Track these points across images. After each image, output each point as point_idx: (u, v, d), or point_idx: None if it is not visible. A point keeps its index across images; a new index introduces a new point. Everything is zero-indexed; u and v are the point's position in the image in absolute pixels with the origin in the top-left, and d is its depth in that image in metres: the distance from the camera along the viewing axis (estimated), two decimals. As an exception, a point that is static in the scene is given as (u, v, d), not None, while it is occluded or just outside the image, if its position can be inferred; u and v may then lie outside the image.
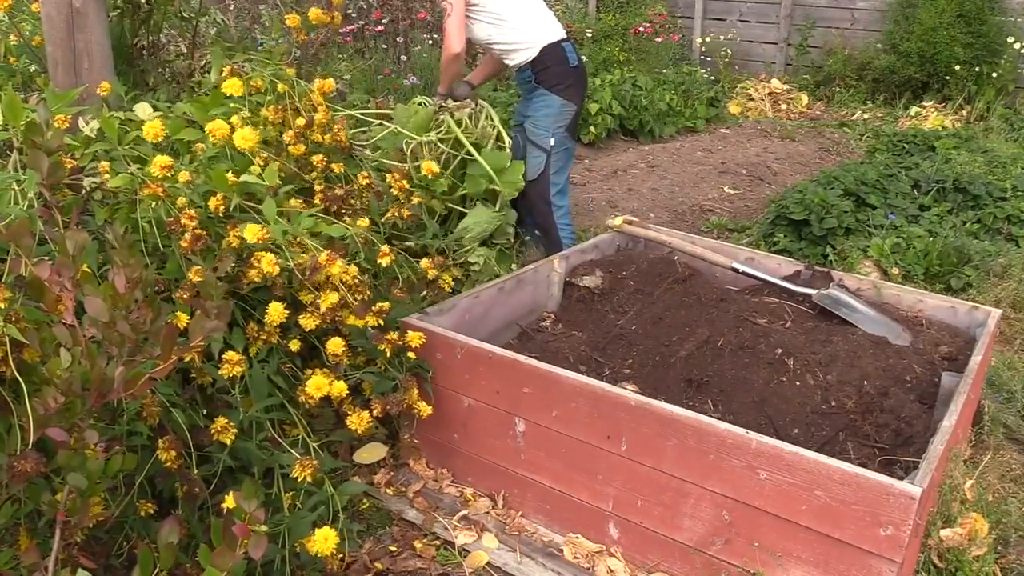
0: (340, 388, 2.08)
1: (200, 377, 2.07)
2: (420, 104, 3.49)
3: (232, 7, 6.78)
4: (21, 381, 1.48)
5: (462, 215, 3.43)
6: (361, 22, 7.11)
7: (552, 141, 3.58)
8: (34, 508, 1.60)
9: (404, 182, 2.77)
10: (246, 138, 2.21)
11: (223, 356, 2.00)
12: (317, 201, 2.48)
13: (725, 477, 1.95)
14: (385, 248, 2.39)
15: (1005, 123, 6.90)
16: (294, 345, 2.25)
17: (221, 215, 2.23)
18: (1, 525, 1.56)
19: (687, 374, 2.50)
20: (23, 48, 3.18)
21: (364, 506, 2.40)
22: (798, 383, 2.39)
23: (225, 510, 1.61)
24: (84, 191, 2.16)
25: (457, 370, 2.37)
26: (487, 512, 2.39)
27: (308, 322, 2.19)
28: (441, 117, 3.45)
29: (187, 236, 2.03)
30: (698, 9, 8.83)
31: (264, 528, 1.50)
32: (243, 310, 2.24)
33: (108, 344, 1.50)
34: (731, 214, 5.14)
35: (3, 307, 1.49)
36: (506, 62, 3.67)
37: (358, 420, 2.13)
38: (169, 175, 2.10)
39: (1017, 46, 7.20)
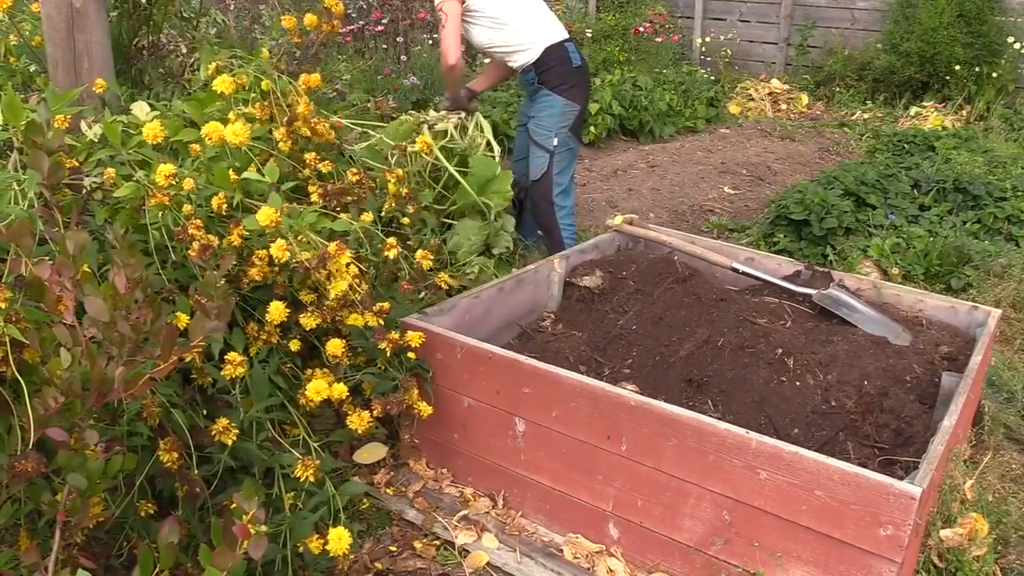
0: (340, 391, 2.07)
1: (200, 377, 2.07)
2: (407, 117, 3.41)
3: (232, 7, 6.79)
4: (21, 381, 1.48)
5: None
6: (361, 22, 7.10)
7: (555, 141, 3.57)
8: (34, 508, 1.60)
9: (400, 171, 2.76)
10: (236, 133, 2.20)
11: (225, 357, 2.00)
12: (315, 198, 2.48)
13: (725, 477, 1.95)
14: (392, 240, 2.39)
15: (1005, 123, 6.90)
16: (294, 345, 2.25)
17: (224, 214, 2.23)
18: (1, 525, 1.56)
19: (687, 374, 2.50)
20: (23, 48, 3.18)
21: (364, 506, 2.40)
22: (798, 383, 2.39)
23: (225, 510, 1.60)
24: (84, 191, 2.16)
25: (457, 370, 2.37)
26: (487, 512, 2.39)
27: (308, 321, 2.19)
28: (424, 130, 3.34)
29: (195, 246, 2.03)
30: (698, 9, 8.84)
31: (264, 528, 1.49)
32: (243, 310, 2.25)
33: (108, 344, 1.50)
34: (731, 214, 5.14)
35: (3, 307, 1.48)
36: (509, 64, 3.65)
37: (358, 420, 2.13)
38: (174, 183, 2.10)
39: (1017, 46, 7.20)
